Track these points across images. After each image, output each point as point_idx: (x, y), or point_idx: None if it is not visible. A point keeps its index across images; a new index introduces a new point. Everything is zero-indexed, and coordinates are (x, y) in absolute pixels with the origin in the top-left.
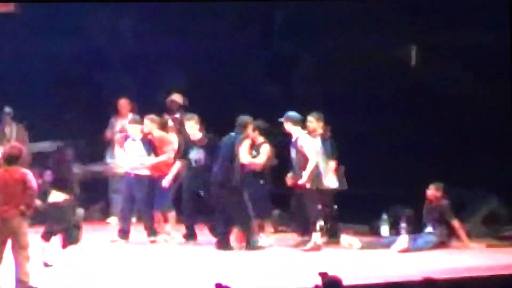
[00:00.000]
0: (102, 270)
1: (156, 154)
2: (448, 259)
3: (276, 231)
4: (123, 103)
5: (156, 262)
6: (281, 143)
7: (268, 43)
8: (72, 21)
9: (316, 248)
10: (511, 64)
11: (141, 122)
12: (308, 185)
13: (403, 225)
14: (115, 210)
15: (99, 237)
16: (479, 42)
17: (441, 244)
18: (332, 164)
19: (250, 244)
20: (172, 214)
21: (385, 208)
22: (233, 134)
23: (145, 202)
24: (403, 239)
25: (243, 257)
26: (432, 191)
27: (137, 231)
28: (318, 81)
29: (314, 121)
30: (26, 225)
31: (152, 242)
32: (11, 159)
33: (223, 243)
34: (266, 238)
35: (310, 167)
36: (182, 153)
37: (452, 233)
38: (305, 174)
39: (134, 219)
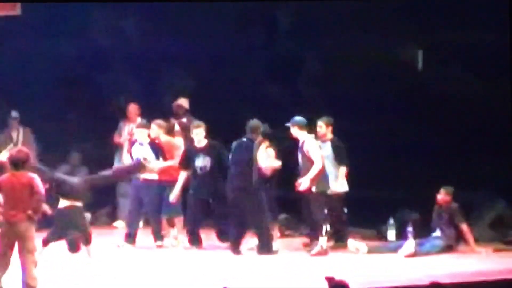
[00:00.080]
0: (109, 274)
1: (164, 159)
2: (455, 263)
3: (283, 235)
4: (132, 108)
5: (162, 267)
6: (287, 148)
7: (272, 45)
8: (77, 23)
9: (323, 252)
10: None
11: (148, 126)
12: (314, 189)
13: (409, 229)
14: (122, 214)
15: (106, 241)
16: (480, 42)
17: (448, 248)
18: (343, 169)
19: (263, 249)
20: (179, 219)
21: (392, 212)
22: (244, 139)
23: (153, 206)
24: (410, 244)
25: (250, 262)
26: (442, 195)
27: (144, 235)
28: (323, 83)
29: (323, 126)
30: (33, 229)
31: (159, 246)
32: (18, 163)
33: (235, 247)
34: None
35: (314, 171)
36: (188, 160)
37: (460, 237)
38: (307, 178)
39: (141, 224)
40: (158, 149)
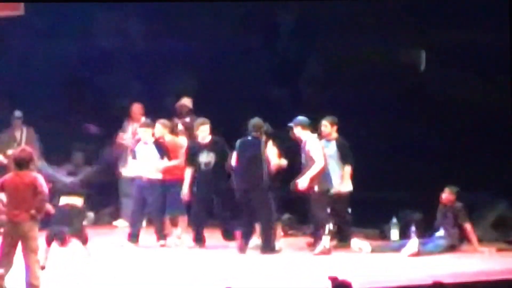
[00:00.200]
0: (112, 273)
1: (169, 158)
2: (458, 263)
3: (286, 235)
4: (136, 107)
5: (165, 266)
6: (289, 148)
7: (275, 46)
8: (80, 24)
9: (326, 252)
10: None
11: (152, 125)
12: (316, 189)
13: (413, 229)
14: (124, 213)
15: (108, 241)
16: (481, 43)
17: (451, 248)
18: (348, 168)
19: (267, 248)
20: (182, 218)
21: (395, 212)
22: (249, 137)
23: (157, 206)
24: (413, 243)
25: (253, 261)
26: (446, 195)
27: (147, 235)
28: (325, 84)
29: (328, 125)
30: (36, 229)
31: (162, 246)
32: (22, 163)
33: (244, 247)
34: (276, 242)
35: (314, 169)
36: (192, 157)
37: (463, 237)
38: (306, 177)
39: (144, 223)
40: (163, 149)
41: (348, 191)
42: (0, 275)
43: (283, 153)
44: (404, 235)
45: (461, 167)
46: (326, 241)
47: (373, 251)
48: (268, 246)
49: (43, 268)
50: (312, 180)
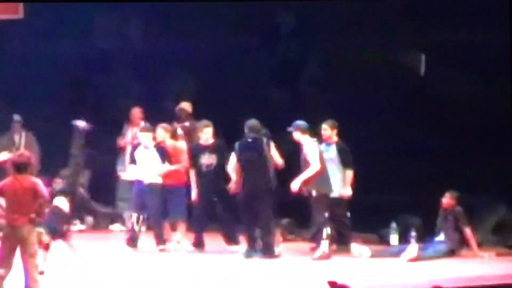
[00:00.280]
0: (111, 278)
1: (170, 163)
2: (457, 267)
3: (285, 239)
4: (136, 111)
5: (164, 270)
6: (289, 151)
7: (275, 49)
8: (79, 27)
9: (325, 256)
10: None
11: (152, 130)
12: (314, 193)
13: (412, 233)
14: (121, 218)
15: (107, 245)
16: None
17: (451, 252)
18: (350, 172)
19: (267, 252)
20: (183, 223)
21: (395, 216)
22: (249, 139)
23: (156, 210)
24: (413, 248)
25: (253, 266)
26: (447, 199)
27: (146, 239)
28: (325, 87)
29: (328, 129)
30: (35, 233)
31: (161, 250)
32: (20, 167)
33: (252, 251)
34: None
35: (308, 172)
36: (193, 159)
37: (463, 241)
38: (300, 179)
39: (143, 228)
40: (164, 153)
41: (348, 195)
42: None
43: (282, 155)
44: (404, 239)
45: (461, 171)
46: (325, 245)
47: (372, 255)
48: (268, 251)
49: (41, 273)
50: (307, 183)
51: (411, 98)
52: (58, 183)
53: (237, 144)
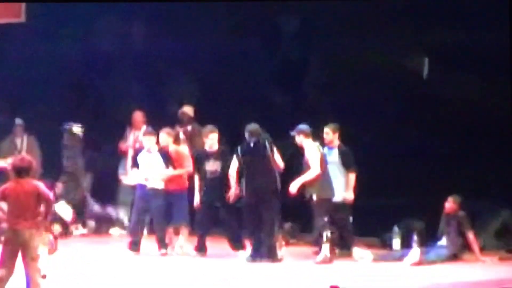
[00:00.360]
0: (112, 282)
1: (173, 167)
2: (460, 272)
3: (288, 243)
4: (137, 115)
5: (166, 275)
6: (291, 154)
7: (277, 52)
8: (81, 29)
9: (327, 260)
10: None
11: (155, 134)
12: (314, 197)
13: (414, 238)
14: (121, 222)
15: (109, 249)
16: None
17: (453, 257)
18: (352, 176)
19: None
20: (186, 227)
21: (397, 221)
22: (251, 143)
23: (160, 214)
24: (415, 252)
25: (255, 270)
26: (450, 204)
27: (148, 243)
28: (327, 90)
29: (330, 132)
30: (37, 237)
31: (163, 254)
32: (22, 171)
33: (259, 254)
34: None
35: (308, 175)
36: (198, 165)
37: (466, 245)
38: (298, 181)
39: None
40: (167, 157)
41: (350, 199)
42: (0, 277)
43: (283, 159)
44: (406, 244)
45: (464, 175)
46: (326, 249)
47: (374, 260)
48: (272, 254)
49: (44, 277)
50: (308, 187)
51: (414, 100)
52: (60, 187)
53: (239, 148)
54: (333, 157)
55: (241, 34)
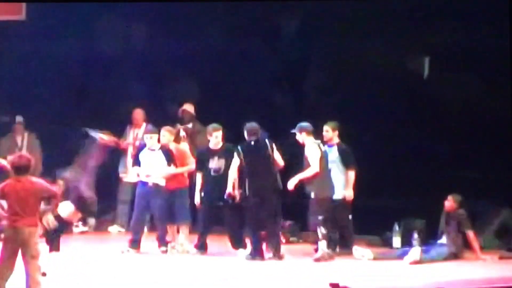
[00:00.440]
0: (112, 279)
1: (175, 165)
2: (460, 270)
3: (288, 241)
4: (137, 113)
5: (166, 272)
6: (292, 154)
7: (278, 51)
8: (82, 29)
9: (326, 256)
10: None
11: (157, 132)
12: (312, 195)
13: (415, 236)
14: (120, 220)
15: (110, 247)
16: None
17: (454, 255)
18: (352, 173)
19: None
20: (187, 225)
21: (397, 219)
22: (252, 142)
23: (161, 212)
24: (416, 251)
25: (255, 268)
26: (450, 202)
27: (148, 241)
28: (328, 89)
29: (330, 130)
30: (37, 235)
31: (163, 252)
32: (21, 169)
33: (259, 252)
34: None
35: (307, 173)
36: (201, 162)
37: (466, 244)
38: (296, 178)
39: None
40: (170, 155)
41: (350, 197)
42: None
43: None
44: (407, 242)
45: (465, 175)
46: (323, 246)
47: (375, 258)
48: (277, 252)
49: (44, 274)
50: (307, 184)
51: (414, 101)
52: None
53: (239, 147)
54: (333, 155)
55: (242, 33)
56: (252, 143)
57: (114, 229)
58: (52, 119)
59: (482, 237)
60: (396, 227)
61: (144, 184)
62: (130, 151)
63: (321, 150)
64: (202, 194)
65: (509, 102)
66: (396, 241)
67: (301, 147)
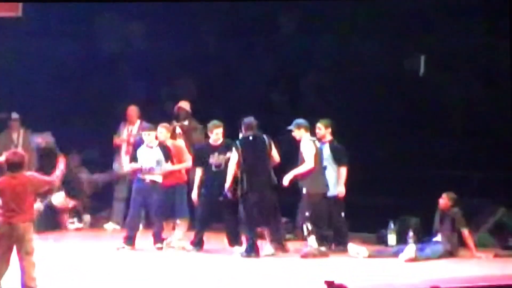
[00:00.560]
0: (107, 276)
1: (172, 162)
2: (455, 268)
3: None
4: (132, 110)
5: (162, 269)
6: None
7: (274, 48)
8: (78, 26)
9: (314, 252)
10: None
11: (155, 129)
12: (304, 191)
13: (410, 234)
14: (115, 217)
15: (105, 244)
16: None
17: (449, 253)
18: (343, 169)
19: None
20: (185, 222)
21: (392, 217)
22: (250, 137)
23: (158, 209)
24: (411, 248)
25: (250, 266)
26: (444, 200)
27: (143, 238)
28: (324, 88)
29: (322, 128)
30: (32, 231)
31: (159, 249)
32: (14, 166)
33: (254, 249)
34: (270, 246)
35: (301, 168)
36: (201, 158)
37: (461, 242)
38: (291, 173)
39: (141, 226)
40: (167, 152)
41: (342, 193)
42: None
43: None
44: (402, 240)
45: (460, 173)
46: (311, 242)
47: (370, 256)
48: (280, 245)
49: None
50: (300, 179)
51: (409, 99)
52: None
53: (238, 142)
54: (325, 152)
55: (237, 31)
56: (250, 138)
57: (109, 226)
58: (48, 115)
59: (477, 235)
60: (391, 225)
61: (141, 180)
62: (124, 148)
63: (316, 147)
64: (203, 190)
65: (506, 100)
66: (391, 239)
67: (295, 145)
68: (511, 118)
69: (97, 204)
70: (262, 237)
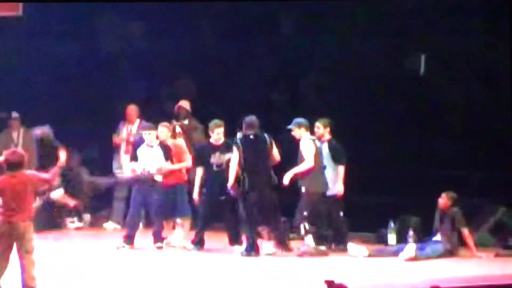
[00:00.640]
0: (108, 276)
1: (172, 161)
2: (455, 267)
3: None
4: (131, 109)
5: (162, 268)
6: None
7: (274, 48)
8: (78, 25)
9: (312, 251)
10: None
11: (156, 128)
12: (303, 189)
13: (410, 233)
14: (115, 217)
15: (104, 243)
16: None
17: (449, 252)
18: (341, 168)
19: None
20: (187, 221)
21: (393, 216)
22: (251, 136)
23: (159, 208)
24: (411, 248)
25: (250, 265)
26: (443, 200)
27: (143, 237)
28: (325, 87)
29: (321, 127)
30: (32, 229)
31: (159, 248)
32: (14, 165)
33: (254, 248)
34: (270, 245)
35: (301, 167)
36: (203, 158)
37: (461, 241)
38: (291, 172)
39: (141, 225)
40: (168, 151)
41: (340, 191)
42: None
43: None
44: (402, 239)
45: (460, 172)
46: (309, 241)
47: (370, 255)
48: (283, 244)
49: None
50: (300, 178)
51: (409, 99)
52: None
53: (239, 141)
54: (323, 151)
55: (237, 31)
56: (251, 136)
57: (109, 225)
58: (48, 115)
59: (477, 234)
60: (391, 224)
61: (142, 180)
62: (123, 147)
63: (316, 146)
64: (204, 189)
65: (506, 100)
66: (391, 238)
67: (294, 145)
68: (511, 118)
69: (97, 203)
70: (262, 236)
